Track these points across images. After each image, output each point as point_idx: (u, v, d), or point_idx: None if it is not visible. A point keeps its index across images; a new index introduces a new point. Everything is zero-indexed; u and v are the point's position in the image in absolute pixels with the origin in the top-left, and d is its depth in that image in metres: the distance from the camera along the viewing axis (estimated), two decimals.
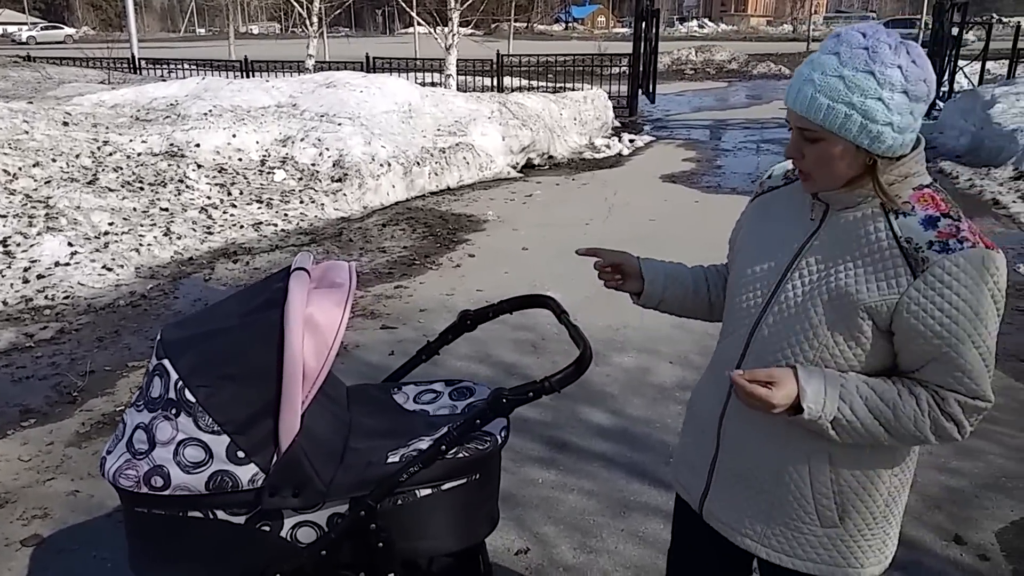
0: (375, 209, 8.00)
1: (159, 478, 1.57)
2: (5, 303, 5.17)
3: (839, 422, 1.41)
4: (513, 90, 13.96)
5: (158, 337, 1.67)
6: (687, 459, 1.75)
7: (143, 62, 18.26)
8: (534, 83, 15.42)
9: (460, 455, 1.73)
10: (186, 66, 17.72)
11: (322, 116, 9.03)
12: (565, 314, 1.92)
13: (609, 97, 14.05)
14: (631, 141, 12.68)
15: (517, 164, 10.31)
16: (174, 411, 1.57)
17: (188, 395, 1.57)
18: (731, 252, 1.74)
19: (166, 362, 1.60)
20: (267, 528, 1.66)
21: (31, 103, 9.08)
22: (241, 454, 1.58)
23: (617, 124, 14.08)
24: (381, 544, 1.69)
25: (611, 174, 10.17)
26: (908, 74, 1.31)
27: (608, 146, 12.18)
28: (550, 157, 11.06)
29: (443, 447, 1.67)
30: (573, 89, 13.97)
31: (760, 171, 10.19)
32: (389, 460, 1.71)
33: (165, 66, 17.90)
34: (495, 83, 15.26)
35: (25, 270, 5.53)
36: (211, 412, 1.56)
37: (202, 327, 1.70)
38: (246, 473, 1.59)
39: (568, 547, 2.83)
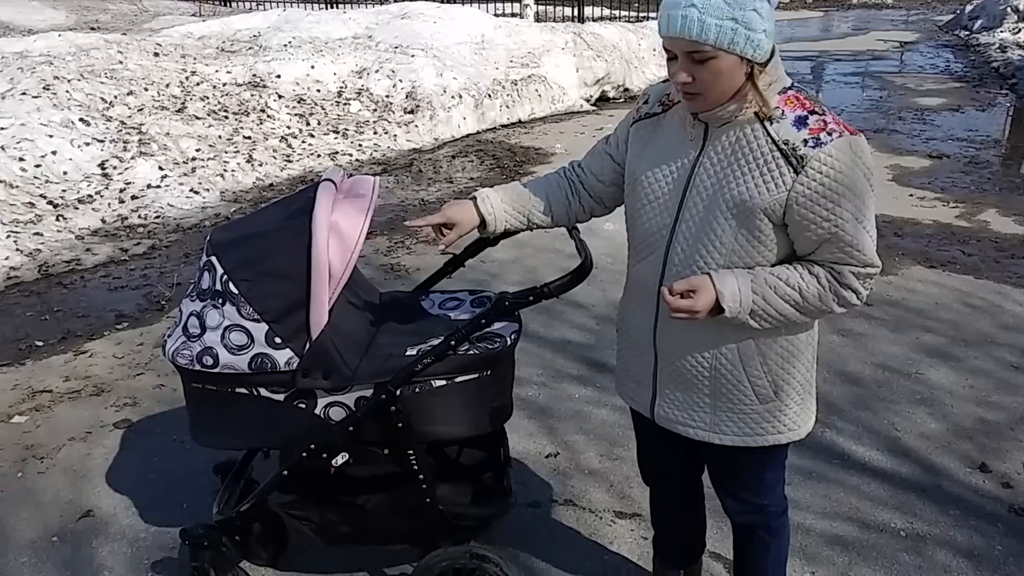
0: (446, 141, 8.18)
1: (209, 358, 1.84)
2: (103, 221, 5.65)
3: (756, 313, 1.59)
4: (594, 20, 13.72)
5: (207, 238, 1.92)
6: (630, 374, 1.91)
7: None
8: (617, 13, 15.09)
9: (471, 352, 1.93)
10: None
11: (396, 48, 9.19)
12: (575, 229, 2.07)
13: None
14: None
15: (591, 97, 10.26)
16: (220, 301, 1.83)
17: (232, 287, 1.81)
18: (609, 153, 1.86)
19: (214, 259, 1.85)
20: (303, 406, 1.91)
21: (125, 35, 9.57)
22: (278, 340, 1.83)
23: None
24: (400, 425, 1.93)
25: None
26: None
27: None
28: (626, 90, 10.94)
29: (453, 343, 1.87)
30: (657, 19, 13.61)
31: (858, 106, 9.85)
32: (407, 353, 1.94)
33: None
34: (575, 13, 15.00)
35: (121, 191, 5.99)
36: (251, 302, 1.81)
37: (244, 230, 1.94)
38: (282, 357, 1.84)
39: (595, 454, 3.04)
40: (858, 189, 1.52)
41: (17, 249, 5.01)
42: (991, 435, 3.15)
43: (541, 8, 14.92)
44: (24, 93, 6.71)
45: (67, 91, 6.89)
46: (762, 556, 2.01)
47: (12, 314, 4.30)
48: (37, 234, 5.25)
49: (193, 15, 14.59)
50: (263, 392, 1.89)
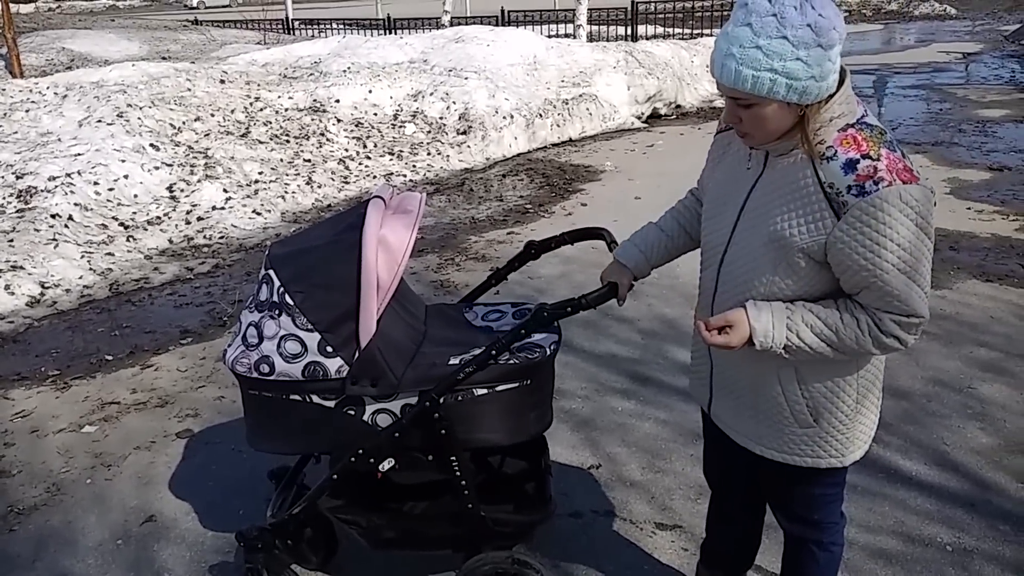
0: (497, 160, 8.33)
1: (266, 365, 1.96)
2: (171, 241, 5.93)
3: (790, 348, 1.60)
4: (647, 39, 13.79)
5: (266, 253, 2.06)
6: (696, 371, 1.99)
7: (296, 23, 19.39)
8: (671, 31, 15.13)
9: (511, 362, 2.02)
10: (334, 25, 18.63)
11: (451, 71, 9.40)
12: (615, 243, 2.14)
13: None
14: None
15: (642, 114, 10.30)
16: (277, 312, 1.95)
17: (288, 299, 1.94)
18: (705, 169, 1.90)
19: (271, 272, 1.98)
20: (352, 412, 2.02)
21: (193, 63, 10.01)
22: (329, 349, 1.94)
23: None
24: (444, 431, 2.02)
25: None
26: (818, 29, 1.43)
27: None
28: (678, 107, 10.95)
29: (493, 352, 1.96)
30: (712, 36, 13.61)
31: (917, 119, 9.67)
32: (450, 362, 2.03)
33: (316, 26, 18.92)
34: (628, 32, 15.09)
35: (187, 213, 6.28)
36: (306, 313, 1.93)
37: (300, 245, 2.07)
38: (333, 364, 1.95)
39: (637, 466, 3.08)
40: (904, 240, 1.47)
41: (90, 268, 5.30)
42: None
43: (594, 28, 15.05)
44: (100, 120, 7.10)
45: (139, 118, 7.26)
46: (809, 570, 2.01)
47: (84, 330, 4.56)
48: (109, 254, 5.54)
49: (258, 43, 15.16)
50: (315, 399, 2.00)
